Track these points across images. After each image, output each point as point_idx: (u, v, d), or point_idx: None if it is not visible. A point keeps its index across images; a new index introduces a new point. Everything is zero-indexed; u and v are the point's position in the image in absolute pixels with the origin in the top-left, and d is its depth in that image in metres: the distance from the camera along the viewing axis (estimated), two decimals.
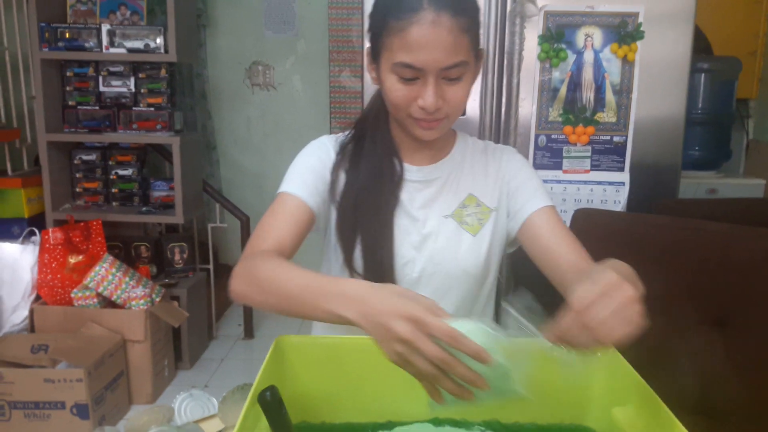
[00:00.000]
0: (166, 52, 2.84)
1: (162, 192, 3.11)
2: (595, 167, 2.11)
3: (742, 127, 3.30)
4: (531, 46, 2.05)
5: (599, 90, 2.06)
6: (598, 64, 2.04)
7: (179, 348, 3.06)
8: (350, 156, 1.14)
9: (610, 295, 0.70)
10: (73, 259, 2.74)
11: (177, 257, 3.13)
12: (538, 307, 0.74)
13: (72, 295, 2.67)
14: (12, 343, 2.49)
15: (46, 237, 2.72)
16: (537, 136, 2.10)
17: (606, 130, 2.08)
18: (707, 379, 1.33)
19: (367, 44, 1.09)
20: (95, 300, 2.67)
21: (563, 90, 2.07)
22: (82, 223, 2.85)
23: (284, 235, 1.03)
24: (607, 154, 2.10)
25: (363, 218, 1.10)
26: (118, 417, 2.59)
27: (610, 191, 2.11)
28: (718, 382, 1.32)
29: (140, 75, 2.94)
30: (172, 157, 2.95)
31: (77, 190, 3.07)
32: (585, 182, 2.11)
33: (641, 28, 2.00)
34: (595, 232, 1.64)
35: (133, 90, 2.95)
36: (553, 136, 2.10)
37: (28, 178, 2.91)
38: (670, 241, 1.54)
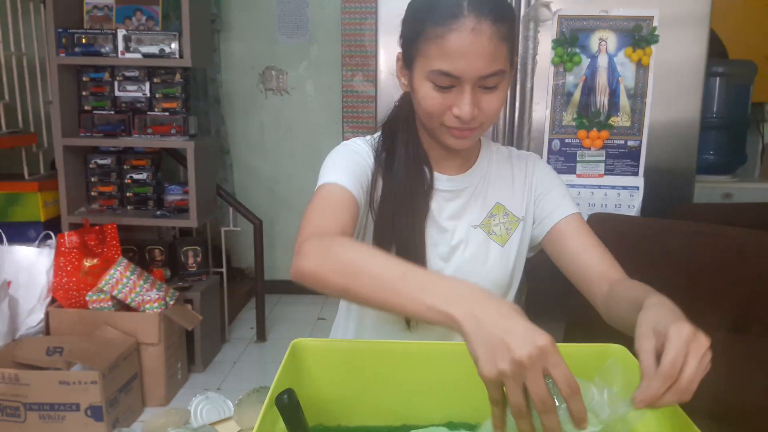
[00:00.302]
0: (181, 57, 2.87)
1: (176, 196, 3.13)
2: (609, 171, 2.10)
3: (757, 131, 3.27)
4: (545, 51, 2.05)
5: (613, 94, 2.05)
6: (612, 69, 2.04)
7: (192, 351, 3.07)
8: (384, 162, 1.10)
9: (694, 353, 0.70)
10: (88, 263, 2.77)
11: (191, 261, 3.15)
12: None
13: (87, 298, 2.69)
14: (28, 345, 2.52)
15: (62, 240, 2.74)
16: (551, 141, 2.10)
17: (620, 134, 2.07)
18: (724, 384, 1.32)
19: (398, 50, 1.06)
20: (110, 303, 2.69)
21: (577, 94, 2.07)
22: (97, 227, 2.87)
23: (345, 223, 0.96)
24: (622, 159, 2.09)
25: (398, 227, 1.07)
26: (131, 419, 2.61)
27: (625, 196, 2.10)
28: (736, 387, 1.31)
29: (155, 80, 2.96)
30: (187, 161, 2.97)
31: (92, 193, 3.10)
32: (599, 187, 2.10)
33: (656, 32, 1.99)
34: (609, 236, 1.63)
35: (148, 95, 2.98)
36: (566, 141, 2.10)
37: (44, 182, 2.94)
38: (685, 245, 1.54)
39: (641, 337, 0.74)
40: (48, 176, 3.02)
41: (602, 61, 2.04)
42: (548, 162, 2.10)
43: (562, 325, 1.88)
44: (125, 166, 3.09)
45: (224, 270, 3.43)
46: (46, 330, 2.72)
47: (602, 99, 2.06)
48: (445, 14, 0.93)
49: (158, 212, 3.06)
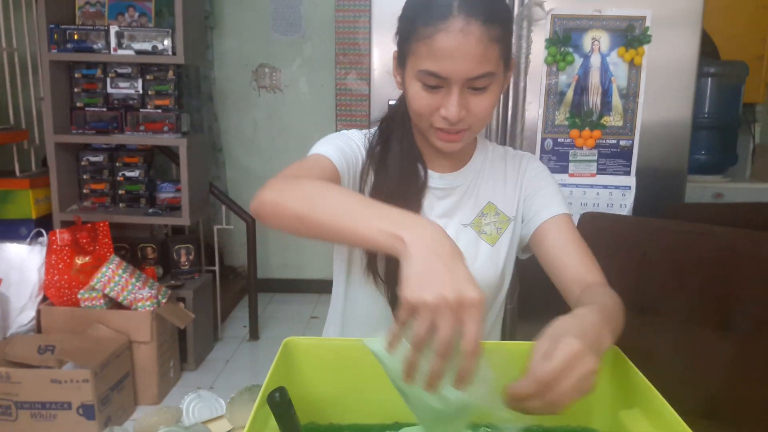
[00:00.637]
0: (174, 54, 2.86)
1: (168, 194, 3.12)
2: (601, 171, 2.11)
3: (748, 131, 3.30)
4: (538, 50, 2.05)
5: (606, 94, 2.06)
6: (605, 68, 2.04)
7: (185, 349, 3.07)
8: (378, 156, 1.10)
9: (572, 368, 0.69)
10: (79, 260, 2.76)
11: (183, 259, 3.14)
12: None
13: (79, 296, 2.68)
14: (19, 343, 2.51)
15: (54, 238, 2.73)
16: (543, 140, 2.11)
17: (612, 133, 2.08)
18: (714, 383, 1.33)
19: (394, 48, 1.06)
20: (102, 301, 2.68)
21: (570, 93, 2.07)
22: (89, 225, 2.86)
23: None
24: (614, 158, 2.09)
25: None
26: (123, 417, 2.60)
27: (617, 195, 2.11)
28: (725, 385, 1.32)
29: (148, 77, 2.96)
30: (179, 158, 2.96)
31: (84, 191, 3.09)
32: (591, 186, 2.11)
33: (648, 32, 2.00)
34: (601, 236, 1.64)
35: (141, 92, 2.97)
36: (559, 140, 2.10)
37: (35, 179, 2.93)
38: (676, 245, 1.54)
39: (541, 337, 0.74)
40: (39, 173, 3.00)
41: (595, 60, 2.04)
42: (540, 161, 2.10)
43: None
44: (117, 164, 3.08)
45: (217, 268, 3.43)
46: (38, 328, 2.71)
47: (595, 98, 2.07)
48: (435, 14, 0.93)
49: (150, 210, 3.05)
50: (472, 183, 1.14)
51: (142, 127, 2.97)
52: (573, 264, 1.04)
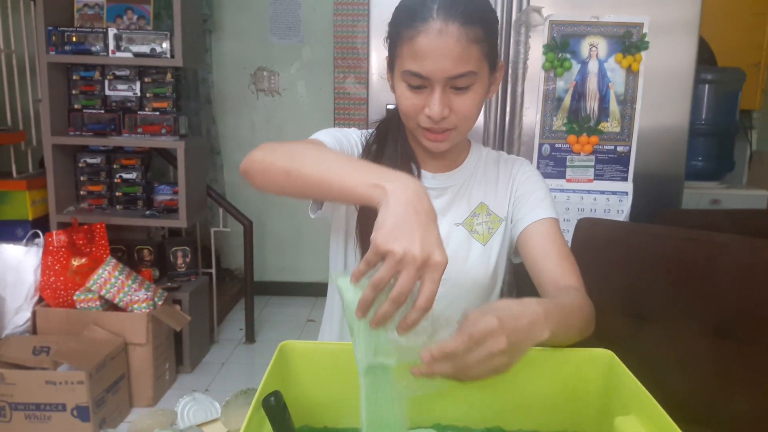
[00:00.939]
0: (172, 56, 2.86)
1: (166, 196, 3.12)
2: (598, 177, 2.11)
3: (745, 138, 3.31)
4: (536, 56, 2.06)
5: (603, 100, 2.07)
6: (602, 74, 2.05)
7: (180, 351, 3.06)
8: (374, 155, 1.13)
9: (482, 342, 0.74)
10: (76, 262, 2.75)
11: (180, 261, 3.14)
12: None
13: (74, 298, 2.68)
14: (14, 344, 2.50)
15: (50, 239, 2.73)
16: (541, 145, 2.11)
17: (610, 139, 2.09)
18: (709, 390, 1.33)
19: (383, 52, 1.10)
20: (98, 303, 2.67)
21: (567, 99, 2.08)
22: (85, 226, 2.86)
23: None
24: (611, 164, 2.10)
25: None
26: (118, 420, 2.59)
27: (614, 201, 2.11)
28: (720, 392, 1.32)
29: (146, 79, 2.96)
30: (177, 161, 2.96)
31: (81, 193, 3.08)
32: (588, 191, 2.11)
33: (646, 39, 2.01)
34: (597, 241, 1.65)
35: (139, 94, 2.97)
36: (556, 146, 2.11)
37: (32, 180, 2.92)
38: (672, 251, 1.55)
39: (477, 310, 0.79)
40: (36, 174, 3.00)
41: (593, 66, 2.05)
42: (538, 166, 2.11)
43: None
44: (115, 166, 3.08)
45: (213, 271, 3.42)
46: (33, 329, 2.71)
47: (592, 104, 2.07)
48: (417, 17, 0.98)
49: (147, 212, 3.05)
50: (465, 183, 1.17)
51: (139, 130, 2.97)
52: (551, 267, 1.06)
